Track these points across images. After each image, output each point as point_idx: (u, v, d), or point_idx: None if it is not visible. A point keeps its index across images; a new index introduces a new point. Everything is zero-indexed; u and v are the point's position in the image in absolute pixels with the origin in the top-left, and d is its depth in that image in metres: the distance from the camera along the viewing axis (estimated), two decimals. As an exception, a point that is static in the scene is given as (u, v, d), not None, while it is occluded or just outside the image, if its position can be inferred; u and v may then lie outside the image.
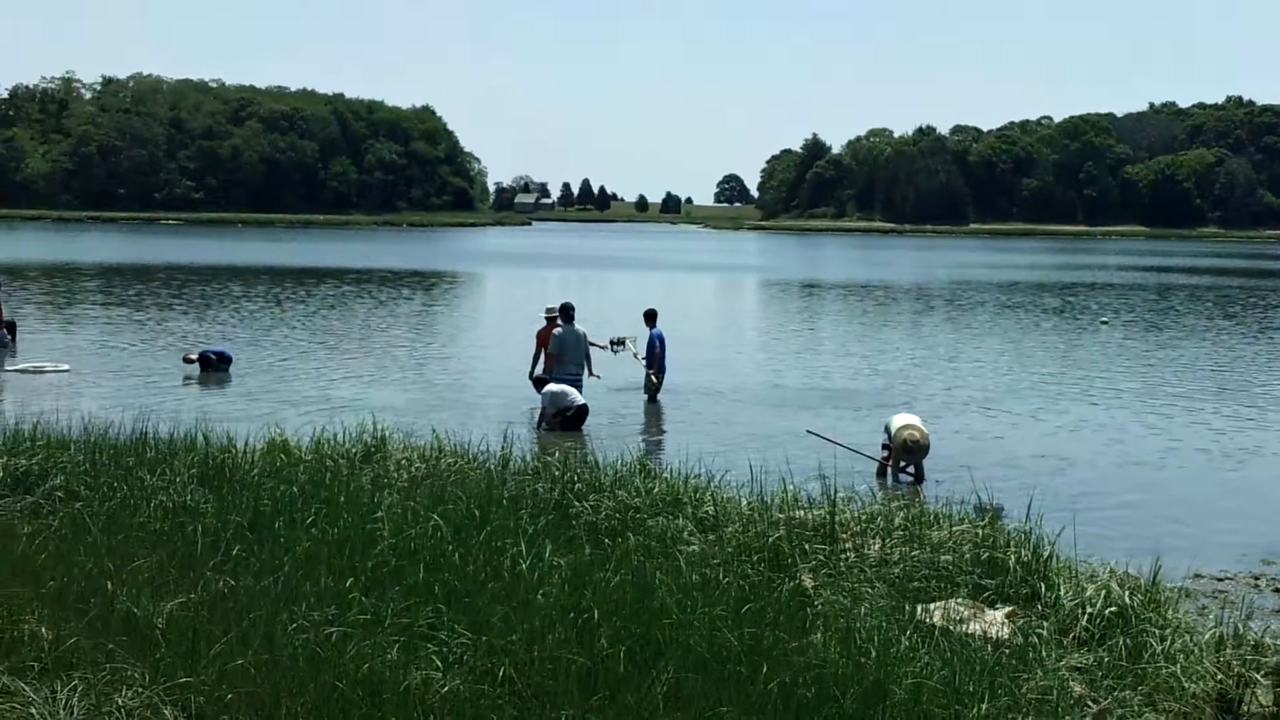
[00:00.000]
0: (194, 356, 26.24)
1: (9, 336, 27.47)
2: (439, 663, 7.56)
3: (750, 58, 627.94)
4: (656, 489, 12.43)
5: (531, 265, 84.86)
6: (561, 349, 21.62)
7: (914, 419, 17.13)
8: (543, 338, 23.40)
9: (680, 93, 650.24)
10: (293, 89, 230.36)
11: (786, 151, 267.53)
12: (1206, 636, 8.91)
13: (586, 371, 22.05)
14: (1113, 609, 9.29)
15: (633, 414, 22.54)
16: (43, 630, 7.71)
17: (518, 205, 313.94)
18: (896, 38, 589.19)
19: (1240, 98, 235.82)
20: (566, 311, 22.24)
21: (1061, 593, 9.71)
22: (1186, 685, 8.15)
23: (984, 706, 7.38)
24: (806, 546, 10.61)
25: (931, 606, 9.25)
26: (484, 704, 7.06)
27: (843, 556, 10.51)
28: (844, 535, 10.99)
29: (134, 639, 7.67)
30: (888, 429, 17.18)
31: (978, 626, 8.93)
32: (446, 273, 71.85)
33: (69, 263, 70.41)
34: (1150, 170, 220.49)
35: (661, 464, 15.09)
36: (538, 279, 68.60)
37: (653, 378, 23.56)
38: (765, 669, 7.51)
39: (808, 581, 9.86)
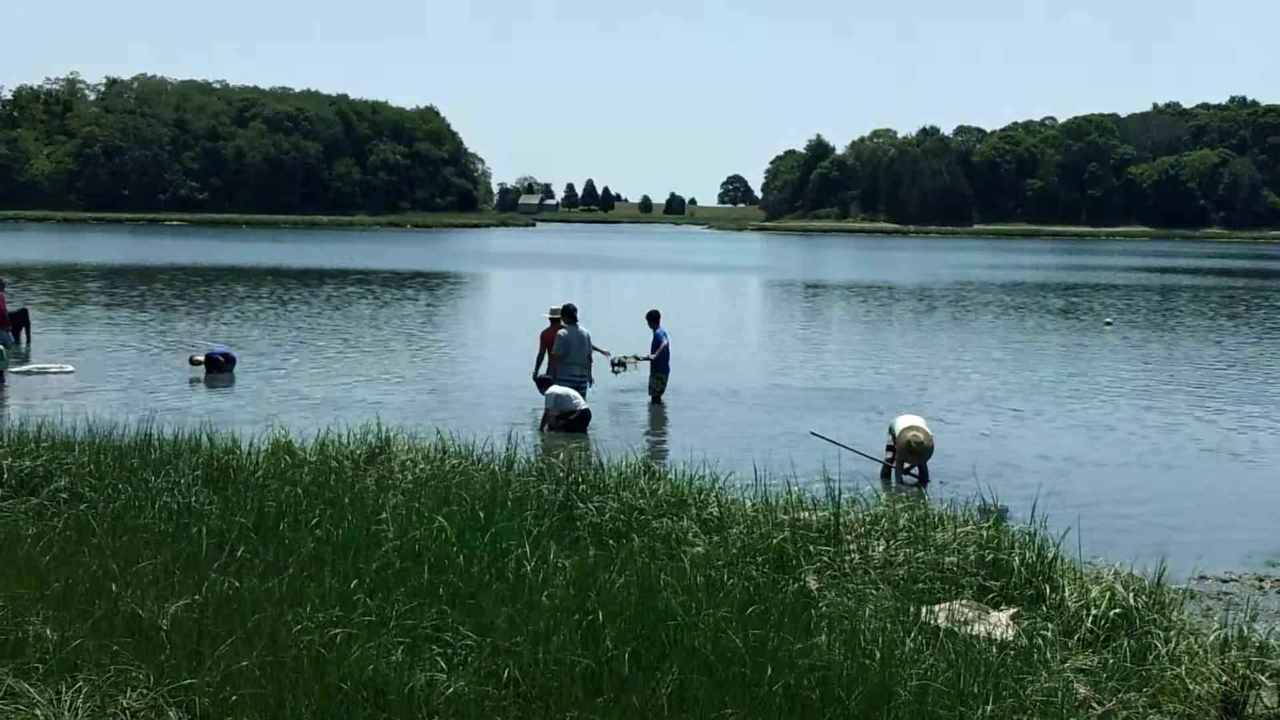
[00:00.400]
0: (199, 358, 26.25)
1: (11, 336, 27.46)
2: (444, 664, 7.56)
3: (754, 58, 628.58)
4: (661, 490, 12.43)
5: (535, 266, 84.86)
6: (566, 350, 21.61)
7: (918, 420, 17.12)
8: (546, 338, 23.42)
9: (684, 93, 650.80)
10: (296, 90, 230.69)
11: (790, 152, 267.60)
12: (1211, 638, 8.90)
13: (589, 376, 22.08)
14: (1117, 611, 9.29)
15: (637, 415, 22.55)
16: (47, 631, 7.72)
17: (521, 206, 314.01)
18: (900, 38, 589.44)
19: (1244, 98, 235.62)
20: (569, 313, 22.23)
21: (1066, 594, 9.70)
22: (1191, 687, 8.14)
23: (989, 708, 7.38)
24: (811, 548, 10.61)
25: (936, 608, 9.24)
26: (489, 706, 7.06)
27: (847, 558, 10.51)
28: (848, 537, 10.99)
29: (138, 640, 7.67)
30: (892, 430, 17.18)
31: (982, 628, 8.92)
32: (450, 273, 71.85)
33: (73, 264, 70.48)
34: (1154, 171, 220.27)
35: (666, 465, 15.09)
36: (541, 280, 68.63)
37: (655, 379, 23.55)
38: (770, 670, 7.50)
39: (812, 583, 9.86)
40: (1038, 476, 17.01)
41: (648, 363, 23.95)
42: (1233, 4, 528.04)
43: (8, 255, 76.50)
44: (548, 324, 23.73)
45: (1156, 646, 8.68)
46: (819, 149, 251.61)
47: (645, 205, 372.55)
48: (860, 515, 11.73)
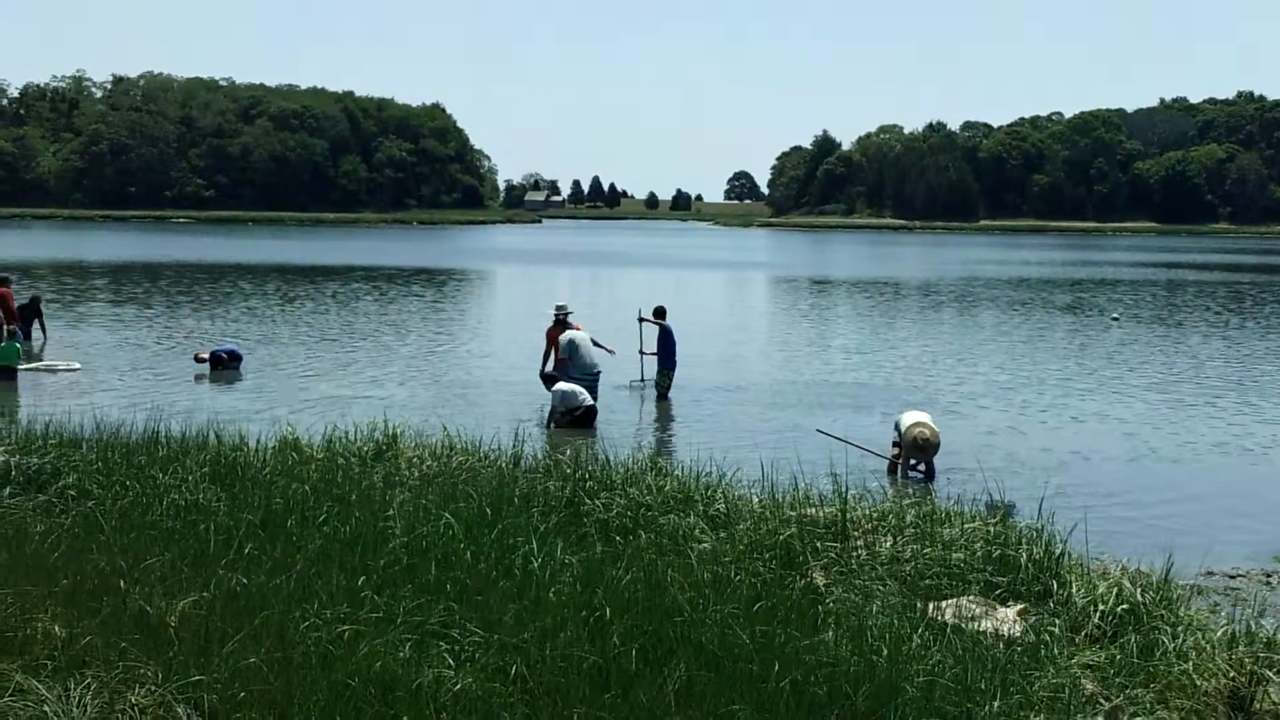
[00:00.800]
0: (205, 355, 26.31)
1: (20, 330, 27.52)
2: (451, 661, 7.57)
3: (760, 55, 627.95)
4: (668, 487, 12.44)
5: (541, 263, 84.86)
6: (572, 353, 21.70)
7: (924, 416, 17.11)
8: (552, 335, 23.48)
9: (690, 90, 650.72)
10: (302, 87, 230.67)
11: (796, 148, 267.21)
12: (1218, 634, 8.89)
13: (601, 362, 22.21)
14: (1124, 606, 9.28)
15: (643, 411, 22.57)
16: (56, 628, 7.73)
17: (527, 203, 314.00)
18: (906, 34, 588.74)
19: (1251, 93, 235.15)
20: (563, 322, 22.57)
21: (1073, 590, 9.69)
22: (1198, 683, 8.13)
23: (996, 704, 7.38)
24: (818, 544, 10.61)
25: (943, 604, 9.24)
26: (496, 702, 7.07)
27: (854, 554, 10.50)
28: (855, 533, 10.98)
29: (147, 637, 7.68)
30: (898, 426, 17.17)
31: (989, 624, 8.92)
32: (456, 270, 71.87)
33: (79, 261, 70.57)
34: (1161, 166, 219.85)
35: (672, 462, 15.07)
36: (547, 277, 68.64)
37: (662, 375, 23.54)
38: (777, 667, 7.51)
39: (819, 579, 9.86)
40: (1045, 472, 17.02)
41: (653, 358, 23.90)
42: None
43: (14, 253, 76.60)
44: (553, 321, 23.79)
45: (1164, 642, 8.66)
46: (825, 145, 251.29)
47: (651, 202, 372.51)
48: (867, 511, 11.72)
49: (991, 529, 10.94)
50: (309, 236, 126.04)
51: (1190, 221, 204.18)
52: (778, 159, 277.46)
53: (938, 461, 16.92)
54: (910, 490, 15.57)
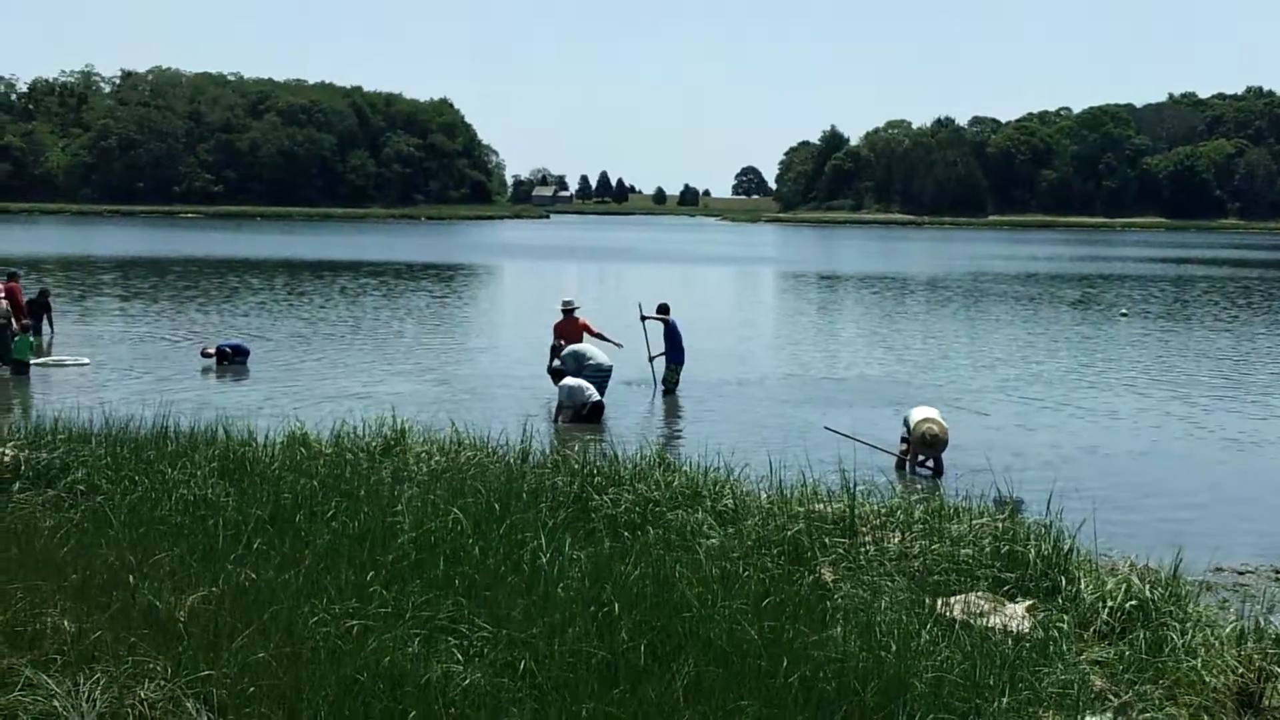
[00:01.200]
0: (211, 350, 26.35)
1: (30, 327, 27.58)
2: (460, 656, 7.58)
3: (768, 50, 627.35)
4: (676, 482, 12.44)
5: (549, 258, 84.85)
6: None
7: (933, 412, 17.09)
8: (559, 331, 23.51)
9: (698, 85, 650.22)
10: (311, 82, 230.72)
11: (804, 143, 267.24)
12: (1227, 630, 8.88)
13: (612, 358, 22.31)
14: (1133, 603, 9.28)
15: (651, 407, 22.56)
16: (65, 623, 7.75)
17: (535, 198, 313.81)
18: (914, 30, 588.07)
19: (1260, 88, 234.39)
20: (570, 316, 23.41)
21: (1082, 586, 9.69)
22: (1207, 679, 8.13)
23: (1004, 700, 7.38)
24: (826, 540, 10.61)
25: (951, 600, 9.24)
26: (505, 697, 7.08)
27: (862, 550, 10.50)
28: (863, 529, 10.98)
29: (156, 632, 7.70)
30: (906, 422, 17.16)
31: (998, 620, 8.92)
32: (464, 265, 71.88)
33: (88, 256, 70.65)
34: (1169, 161, 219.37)
35: (680, 457, 15.07)
36: (555, 272, 68.66)
37: (670, 371, 23.53)
38: (785, 662, 7.51)
39: (827, 575, 9.86)
40: (1053, 468, 17.00)
41: (661, 358, 23.86)
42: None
43: (23, 248, 76.71)
44: (560, 316, 23.81)
45: (1173, 639, 8.66)
46: (833, 140, 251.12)
47: (659, 197, 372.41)
48: (875, 507, 11.72)
49: (1000, 525, 10.94)
50: (317, 231, 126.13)
51: (1199, 217, 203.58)
52: (786, 154, 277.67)
53: (946, 457, 16.90)
54: (919, 486, 15.57)
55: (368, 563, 9.12)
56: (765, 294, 58.16)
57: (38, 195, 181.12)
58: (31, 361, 24.69)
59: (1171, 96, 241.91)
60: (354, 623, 7.88)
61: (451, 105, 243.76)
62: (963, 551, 10.34)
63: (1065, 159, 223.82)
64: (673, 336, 23.61)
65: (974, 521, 11.13)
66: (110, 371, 25.00)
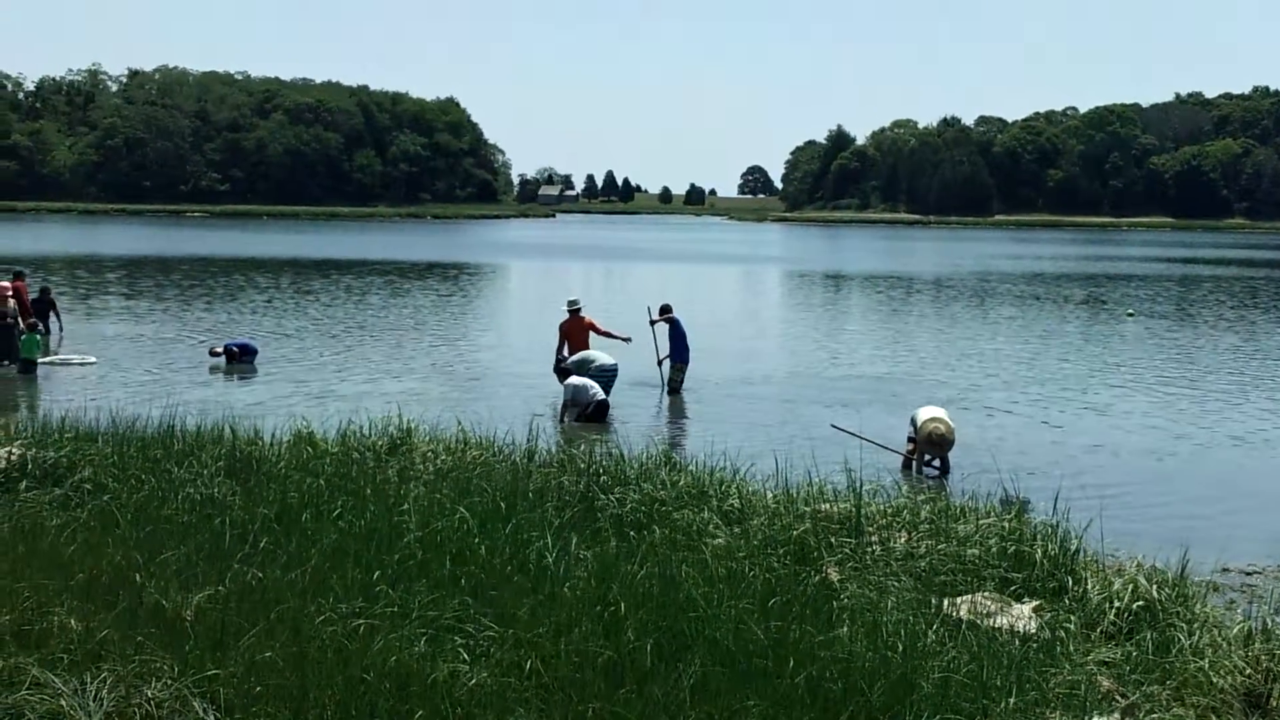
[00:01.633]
0: (219, 349, 26.37)
1: (38, 325, 27.62)
2: (466, 655, 7.58)
3: (774, 49, 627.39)
4: (682, 482, 12.45)
5: (555, 257, 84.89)
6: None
7: (939, 412, 17.08)
8: (565, 330, 23.53)
9: (704, 85, 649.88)
10: (317, 81, 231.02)
11: (810, 143, 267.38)
12: (1234, 631, 8.88)
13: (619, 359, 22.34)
14: (1140, 603, 9.27)
15: (657, 407, 22.56)
16: (72, 622, 7.75)
17: (541, 197, 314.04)
18: (920, 29, 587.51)
19: (1267, 88, 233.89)
20: (575, 316, 23.46)
21: (1089, 587, 9.69)
22: (1215, 680, 8.11)
23: (1011, 700, 7.38)
24: (832, 540, 10.61)
25: (958, 600, 9.23)
26: (511, 697, 7.08)
27: (868, 550, 10.49)
28: (870, 528, 10.97)
29: (163, 631, 7.70)
30: (913, 422, 17.14)
31: (1005, 620, 8.91)
32: (470, 264, 71.92)
33: (94, 255, 70.74)
34: (1176, 161, 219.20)
35: (686, 457, 15.07)
36: (561, 271, 68.68)
37: (675, 370, 23.52)
38: (792, 663, 7.51)
39: (833, 575, 9.86)
40: (1059, 467, 16.98)
41: (665, 356, 23.86)
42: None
43: (30, 247, 76.82)
44: (566, 315, 23.82)
45: (1179, 639, 8.65)
46: (839, 139, 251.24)
47: (665, 196, 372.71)
48: (882, 507, 11.72)
49: (1006, 525, 10.93)
50: (323, 231, 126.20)
51: (1206, 216, 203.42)
52: (792, 154, 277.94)
53: (953, 457, 16.89)
54: (925, 486, 15.55)
55: (374, 562, 9.13)
56: (771, 293, 58.16)
57: (44, 194, 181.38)
58: (39, 360, 24.72)
59: (1178, 96, 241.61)
60: (360, 622, 7.88)
61: (458, 104, 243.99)
62: (969, 551, 10.34)
63: (1072, 158, 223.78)
64: (677, 336, 23.61)
65: (980, 521, 11.12)
66: (117, 370, 25.02)
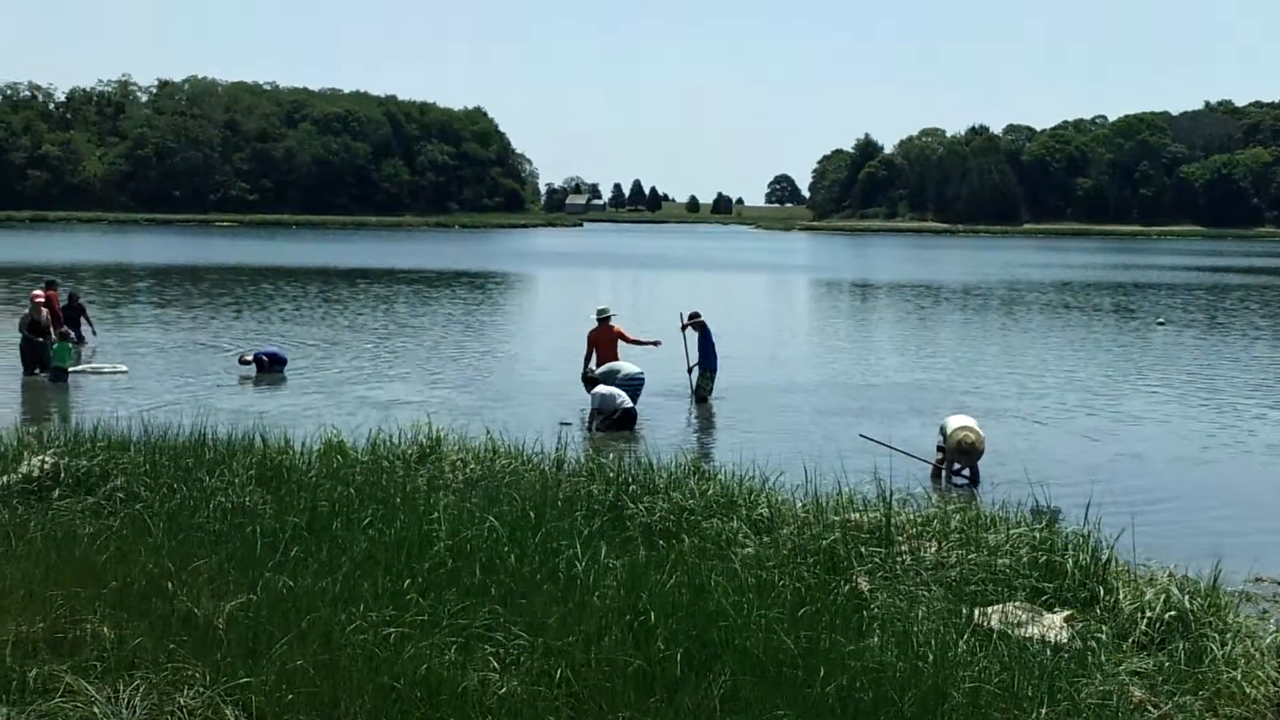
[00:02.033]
0: (249, 358, 26.47)
1: (70, 333, 27.81)
2: (496, 664, 7.60)
3: (801, 57, 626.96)
4: (710, 491, 12.44)
5: (582, 265, 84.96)
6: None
7: (969, 420, 17.03)
8: (594, 338, 23.56)
9: (731, 93, 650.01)
10: (345, 91, 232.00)
11: (838, 151, 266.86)
12: (1268, 641, 8.83)
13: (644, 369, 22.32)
14: (1172, 613, 9.22)
15: (685, 415, 22.54)
16: (105, 630, 7.81)
17: (569, 206, 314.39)
18: (948, 37, 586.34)
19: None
20: (604, 324, 23.57)
21: (1120, 596, 9.64)
22: (1248, 690, 8.07)
23: (1043, 711, 7.35)
24: (862, 549, 10.58)
25: (989, 610, 9.20)
26: (541, 705, 7.09)
27: (899, 559, 10.47)
28: (900, 538, 10.94)
29: (195, 639, 7.75)
30: (943, 430, 17.09)
31: (1036, 630, 8.88)
32: (498, 273, 72.06)
33: (124, 264, 71.12)
34: (1206, 169, 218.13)
35: (715, 466, 15.07)
36: (588, 280, 68.73)
37: (704, 378, 23.49)
38: (822, 672, 7.49)
39: (864, 584, 9.83)
40: (1090, 476, 16.86)
41: (695, 364, 23.84)
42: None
43: (61, 256, 77.31)
44: (594, 324, 23.83)
45: (1212, 649, 8.61)
46: (867, 148, 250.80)
47: (692, 205, 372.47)
48: (911, 516, 11.69)
49: (1037, 534, 10.89)
50: (351, 240, 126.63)
51: (1236, 225, 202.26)
52: (819, 162, 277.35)
53: (983, 467, 16.83)
54: (955, 495, 15.50)
55: (404, 570, 9.15)
56: (799, 301, 58.11)
57: (75, 203, 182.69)
58: (70, 368, 24.87)
59: (1208, 104, 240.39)
60: (391, 630, 7.91)
61: (485, 114, 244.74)
62: (1000, 561, 10.30)
63: (1101, 167, 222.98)
64: (706, 343, 23.59)
65: (1011, 531, 11.07)
66: (148, 379, 25.14)
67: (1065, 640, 8.77)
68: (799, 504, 12.31)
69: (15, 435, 14.47)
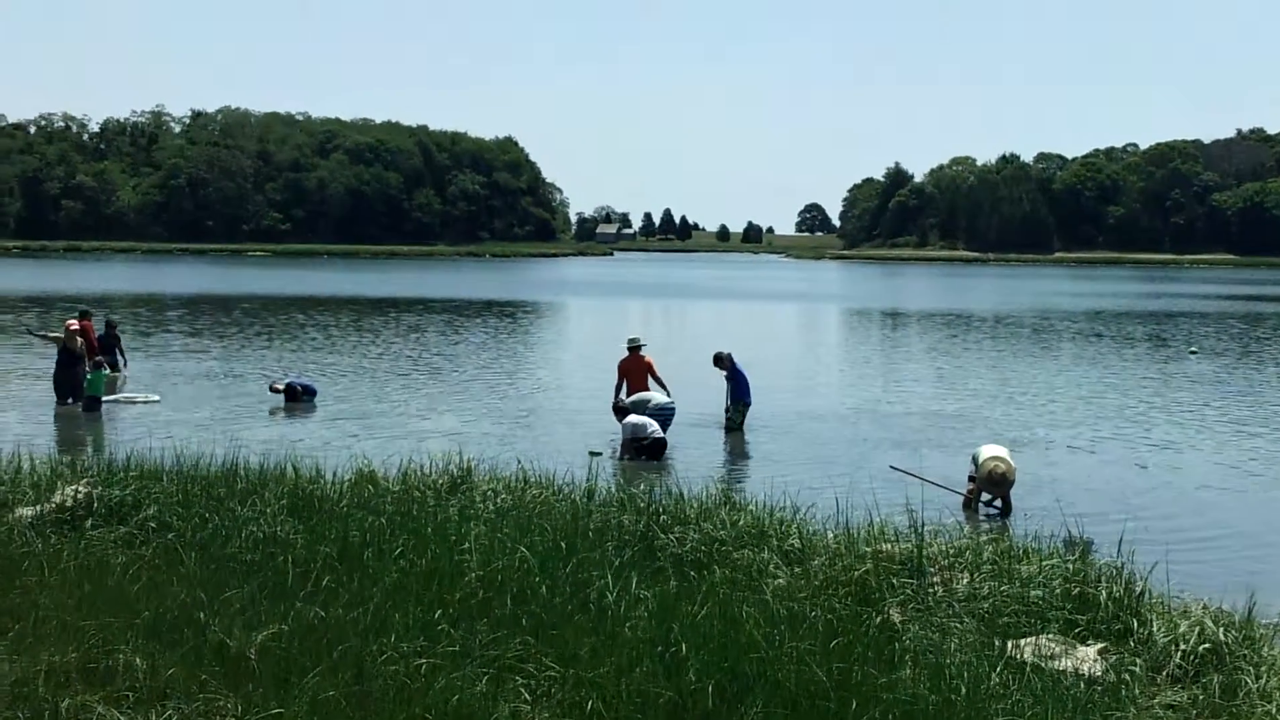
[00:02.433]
0: (280, 385, 26.60)
1: (104, 363, 27.97)
2: (527, 695, 7.59)
3: (831, 87, 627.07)
4: (742, 521, 12.40)
5: (613, 295, 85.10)
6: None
7: (1001, 450, 16.95)
8: (624, 367, 23.56)
9: (761, 123, 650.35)
10: (377, 121, 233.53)
11: (868, 180, 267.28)
12: (1304, 674, 8.75)
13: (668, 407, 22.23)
14: (1206, 646, 9.15)
15: (716, 446, 22.50)
16: (137, 660, 7.82)
17: (599, 235, 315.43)
18: (978, 66, 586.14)
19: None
20: (635, 353, 23.53)
21: (1154, 629, 9.56)
22: (1284, 724, 8.00)
23: (1077, 744, 7.30)
24: (894, 580, 10.53)
25: (1022, 642, 9.15)
26: (573, 737, 7.08)
27: (931, 591, 10.42)
28: (932, 569, 10.89)
29: (227, 669, 7.77)
30: (975, 460, 17.02)
31: (1069, 663, 8.82)
32: (528, 302, 72.24)
33: (157, 293, 71.57)
34: (1238, 197, 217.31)
35: (746, 496, 15.03)
36: (619, 309, 68.82)
37: (737, 409, 23.47)
38: (855, 705, 7.47)
39: (896, 616, 9.79)
40: (1123, 507, 16.80)
41: (730, 404, 23.79)
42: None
43: (95, 285, 77.85)
44: (626, 354, 23.84)
45: (1247, 683, 8.54)
46: (897, 177, 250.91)
47: (723, 234, 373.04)
48: (943, 547, 11.62)
49: (1070, 566, 10.82)
50: (383, 269, 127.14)
51: (1269, 254, 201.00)
52: (849, 191, 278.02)
53: (1015, 497, 16.75)
54: (987, 526, 15.44)
55: (435, 601, 9.16)
56: (830, 330, 58.04)
57: (109, 233, 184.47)
58: (103, 398, 25.01)
59: (1240, 132, 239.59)
60: (422, 661, 7.91)
61: (516, 144, 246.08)
62: (1033, 593, 10.24)
63: (1132, 195, 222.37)
64: (737, 379, 23.60)
65: (1044, 562, 11.01)
66: (180, 408, 25.25)
67: (1099, 673, 8.71)
68: (830, 535, 12.27)
69: (49, 464, 14.56)
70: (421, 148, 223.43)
